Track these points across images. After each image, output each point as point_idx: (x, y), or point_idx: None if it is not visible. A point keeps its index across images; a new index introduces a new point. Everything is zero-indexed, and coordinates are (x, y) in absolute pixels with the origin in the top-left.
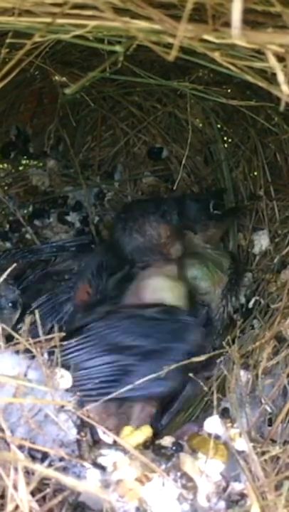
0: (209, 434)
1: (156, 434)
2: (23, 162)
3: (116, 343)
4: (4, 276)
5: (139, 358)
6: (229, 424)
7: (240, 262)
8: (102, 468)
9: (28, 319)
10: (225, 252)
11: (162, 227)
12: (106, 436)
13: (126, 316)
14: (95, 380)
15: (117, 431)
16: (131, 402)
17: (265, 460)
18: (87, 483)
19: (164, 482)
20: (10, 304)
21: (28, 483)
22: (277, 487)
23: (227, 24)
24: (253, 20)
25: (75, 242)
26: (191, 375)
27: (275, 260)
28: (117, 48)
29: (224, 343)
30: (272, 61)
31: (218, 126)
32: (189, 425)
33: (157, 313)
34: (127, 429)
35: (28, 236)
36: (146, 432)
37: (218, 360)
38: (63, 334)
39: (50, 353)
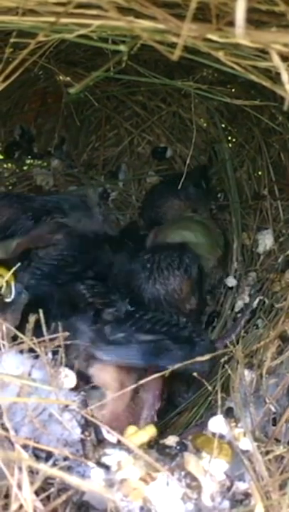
0: (213, 434)
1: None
2: (28, 162)
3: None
4: (10, 274)
5: (174, 341)
6: (233, 424)
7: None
8: (107, 467)
9: (32, 318)
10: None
11: (185, 283)
12: (110, 435)
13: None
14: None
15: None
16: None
17: (270, 459)
18: (92, 483)
19: (168, 481)
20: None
21: (32, 483)
22: (282, 486)
23: (231, 23)
24: (257, 19)
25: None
26: (195, 374)
27: (280, 260)
28: (121, 47)
29: (228, 342)
30: (277, 60)
31: (223, 125)
32: (195, 429)
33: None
34: (131, 429)
35: None
36: (150, 431)
37: (221, 360)
38: (68, 334)
39: (55, 353)
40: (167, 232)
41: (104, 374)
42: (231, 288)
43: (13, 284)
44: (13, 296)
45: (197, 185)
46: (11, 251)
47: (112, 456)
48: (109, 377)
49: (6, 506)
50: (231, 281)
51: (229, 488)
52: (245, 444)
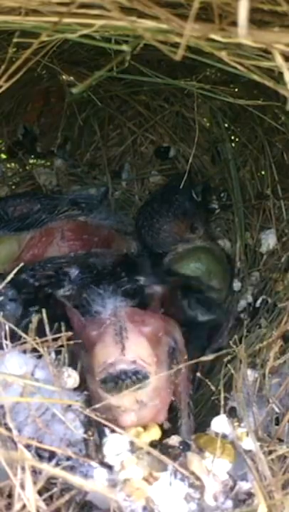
0: (216, 434)
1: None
2: (31, 161)
3: None
4: (7, 280)
5: None
6: (236, 424)
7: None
8: (110, 467)
9: (35, 318)
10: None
11: None
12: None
13: None
14: None
15: None
16: None
17: (272, 459)
18: (95, 483)
19: (171, 481)
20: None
21: (35, 483)
22: (285, 486)
23: (234, 23)
24: (259, 19)
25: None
26: (198, 374)
27: (283, 259)
28: (124, 47)
29: (231, 342)
30: (279, 60)
31: (226, 125)
32: None
33: None
34: (134, 431)
35: None
36: (153, 434)
37: (225, 359)
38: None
39: (58, 352)
40: (177, 266)
41: (140, 349)
42: (234, 292)
43: None
44: None
45: (190, 198)
46: (24, 244)
47: (115, 456)
48: (146, 352)
49: (9, 506)
50: (237, 285)
51: (232, 488)
52: (248, 443)
